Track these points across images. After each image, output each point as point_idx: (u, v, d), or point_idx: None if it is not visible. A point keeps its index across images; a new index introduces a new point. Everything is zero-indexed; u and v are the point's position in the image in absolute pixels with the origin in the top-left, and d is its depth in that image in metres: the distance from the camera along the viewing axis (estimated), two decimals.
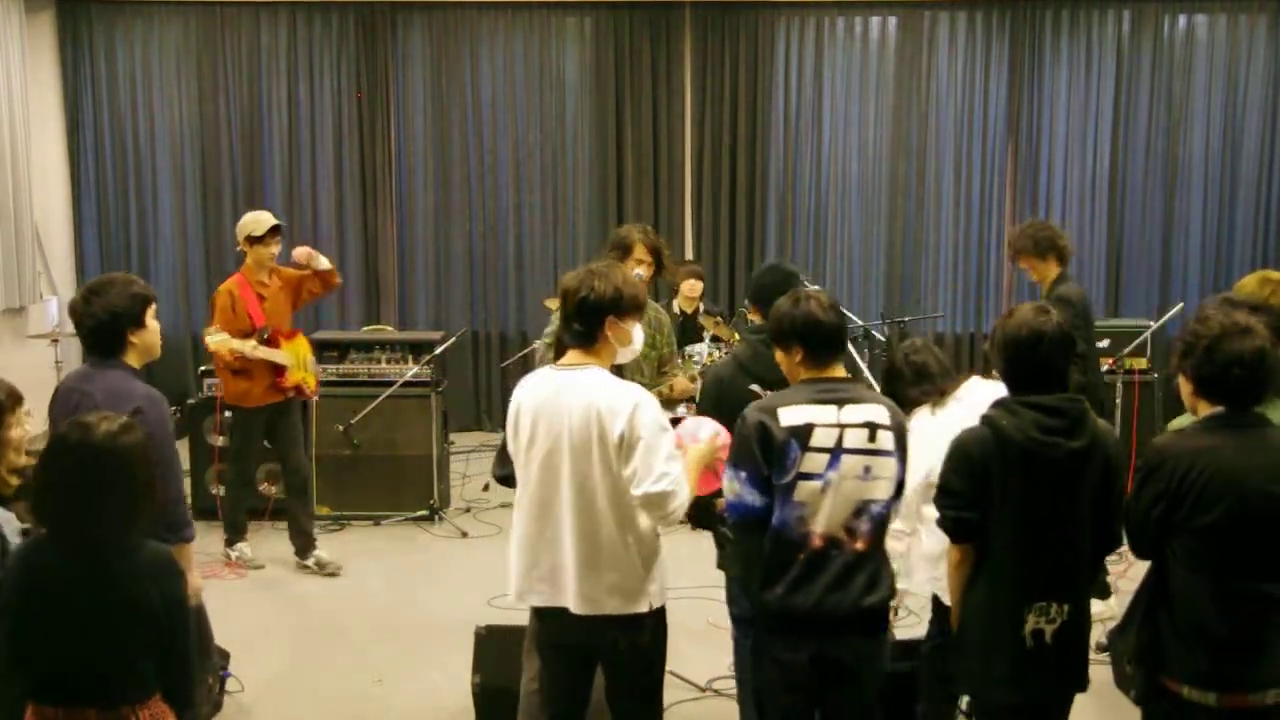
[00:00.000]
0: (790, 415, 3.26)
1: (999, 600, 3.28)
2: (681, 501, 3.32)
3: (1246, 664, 3.12)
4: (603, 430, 3.30)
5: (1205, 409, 3.21)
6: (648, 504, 3.30)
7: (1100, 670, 4.93)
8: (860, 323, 8.09)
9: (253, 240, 6.26)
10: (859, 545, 3.28)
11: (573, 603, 3.39)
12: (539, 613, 3.52)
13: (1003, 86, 9.53)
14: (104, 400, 3.69)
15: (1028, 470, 3.20)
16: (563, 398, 3.37)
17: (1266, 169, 9.47)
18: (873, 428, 3.28)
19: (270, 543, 6.99)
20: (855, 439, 3.27)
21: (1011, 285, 9.66)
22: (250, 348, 6.20)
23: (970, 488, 3.24)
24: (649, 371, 5.27)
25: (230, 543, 6.60)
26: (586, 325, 3.42)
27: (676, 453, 3.36)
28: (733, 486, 3.34)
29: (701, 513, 3.81)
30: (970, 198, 9.59)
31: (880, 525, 3.32)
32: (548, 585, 3.43)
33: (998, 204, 9.64)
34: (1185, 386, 3.27)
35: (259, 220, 6.29)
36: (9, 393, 3.33)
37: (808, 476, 3.25)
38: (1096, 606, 5.58)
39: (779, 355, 3.49)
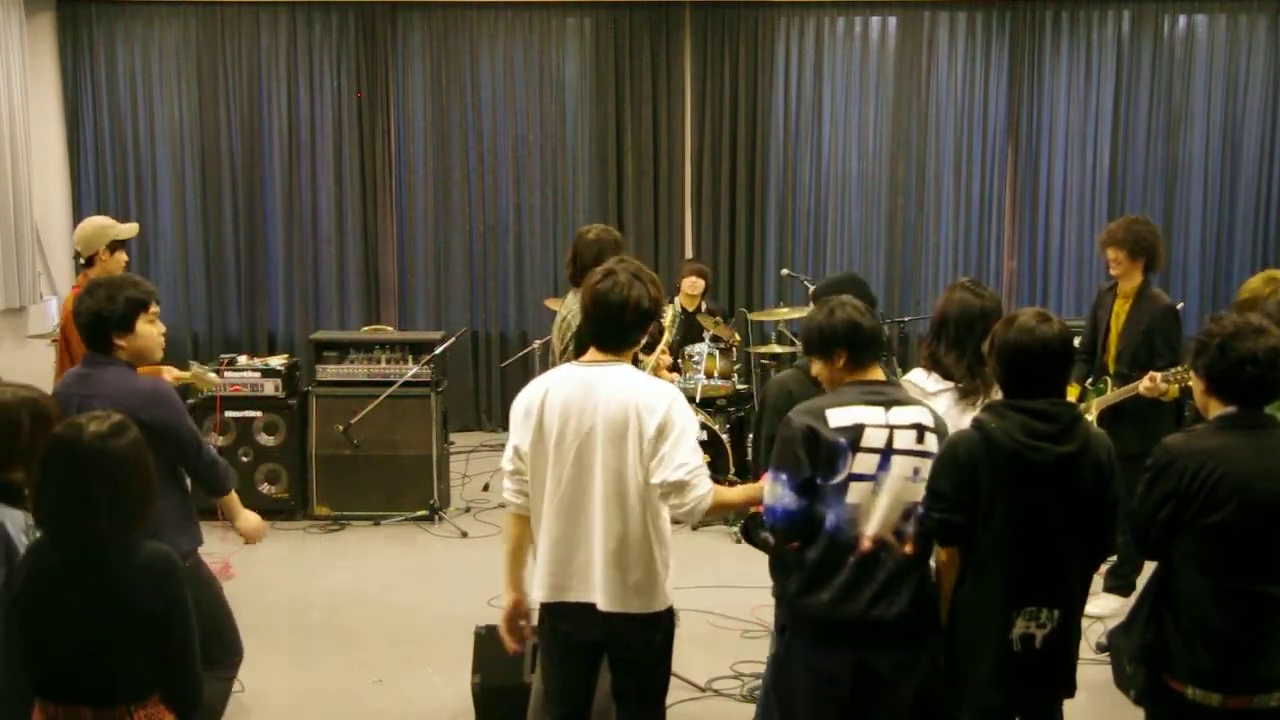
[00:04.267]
0: (839, 416, 3.27)
1: (986, 602, 3.28)
2: (700, 495, 3.30)
3: (1250, 665, 3.12)
4: (641, 423, 3.31)
5: (1217, 408, 3.22)
6: (667, 491, 3.31)
7: (1100, 670, 4.93)
8: None
9: (115, 246, 5.66)
10: (907, 549, 3.27)
11: (600, 599, 3.38)
12: (560, 610, 3.48)
13: (1003, 86, 9.54)
14: (106, 400, 3.68)
15: (1014, 474, 3.20)
16: (595, 392, 3.36)
17: (1266, 169, 9.47)
18: (920, 429, 3.30)
19: (270, 543, 6.99)
20: (905, 440, 3.28)
21: (1011, 285, 9.67)
22: (174, 378, 5.52)
23: (957, 491, 3.23)
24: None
25: None
26: (639, 333, 3.47)
27: (699, 449, 3.39)
28: (774, 490, 3.32)
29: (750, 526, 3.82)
30: (970, 198, 9.59)
31: (925, 529, 3.30)
32: (580, 581, 3.41)
33: (998, 204, 9.64)
34: (1197, 385, 3.28)
35: (115, 224, 5.76)
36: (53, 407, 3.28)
37: (860, 478, 3.25)
38: (1114, 604, 5.60)
39: (817, 366, 3.51)
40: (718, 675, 5.05)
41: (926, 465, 3.29)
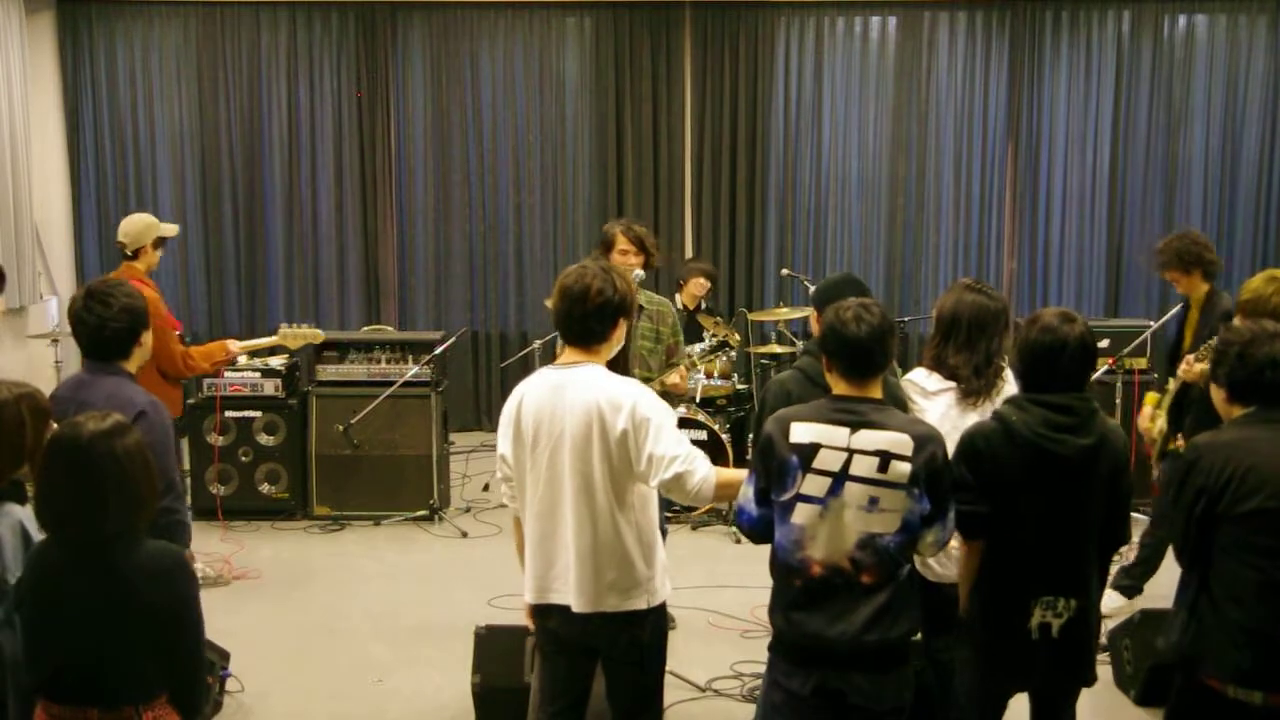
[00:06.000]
0: (800, 432, 3.14)
1: (1007, 592, 3.31)
2: (700, 480, 3.29)
3: None
4: (604, 425, 3.31)
5: (1239, 413, 3.27)
6: (668, 490, 3.33)
7: (1100, 670, 4.93)
8: None
9: (158, 243, 6.02)
10: (865, 578, 3.12)
11: (574, 601, 3.40)
12: (548, 610, 3.50)
13: (1003, 86, 9.53)
14: (105, 407, 3.63)
15: (1037, 466, 3.22)
16: (562, 395, 3.38)
17: (1266, 169, 9.46)
18: (886, 457, 3.09)
19: (270, 543, 7.00)
20: (864, 467, 3.09)
21: (1011, 285, 9.66)
22: (240, 347, 6.20)
23: (979, 482, 3.25)
24: (656, 365, 5.28)
25: None
26: (603, 326, 3.42)
27: (682, 434, 3.37)
28: (744, 491, 3.30)
29: None
30: (970, 198, 9.59)
31: (891, 559, 3.13)
32: (562, 584, 3.43)
33: (998, 204, 9.63)
34: (1218, 394, 3.33)
35: (162, 225, 6.08)
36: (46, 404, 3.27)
37: (807, 499, 3.12)
38: (1117, 601, 5.62)
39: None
40: (718, 675, 5.05)
41: (888, 495, 3.09)
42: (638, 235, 5.17)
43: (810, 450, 3.12)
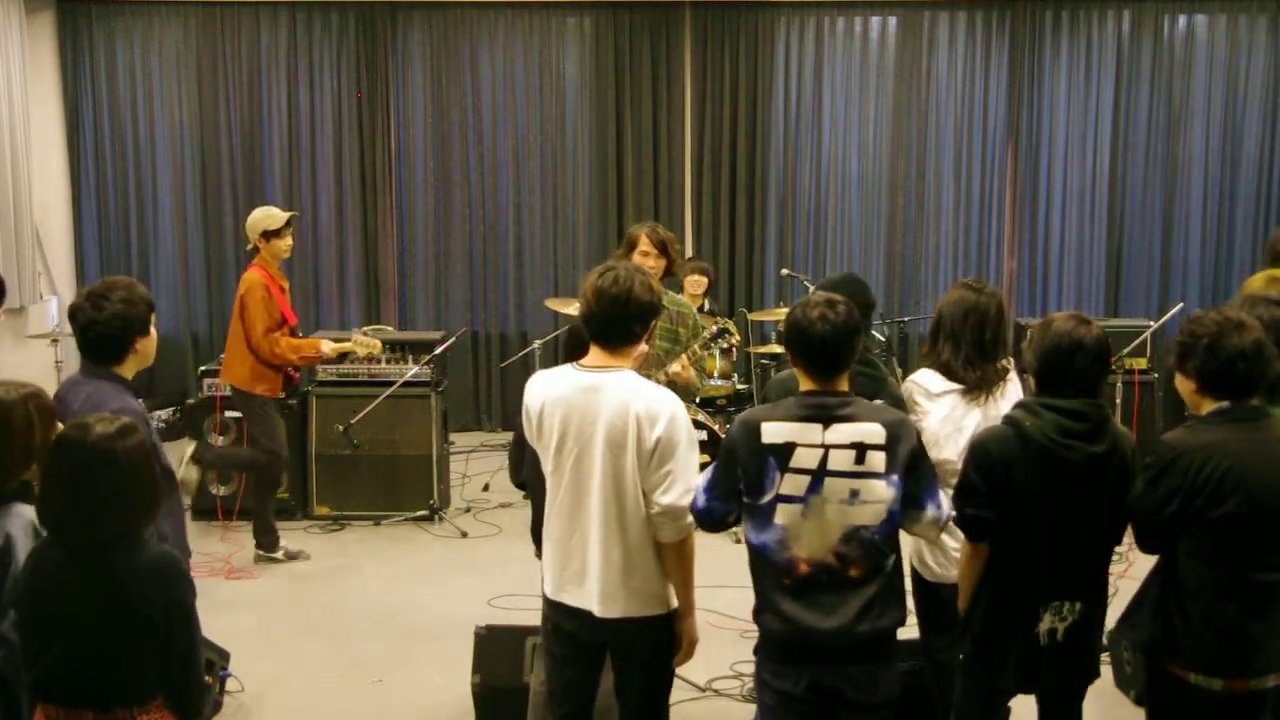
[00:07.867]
0: (772, 432, 3.12)
1: (1015, 596, 3.31)
2: (690, 524, 3.33)
3: (1252, 651, 3.17)
4: (640, 433, 3.28)
5: (1209, 406, 3.25)
6: (671, 513, 3.30)
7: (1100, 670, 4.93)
8: None
9: (269, 235, 6.27)
10: (852, 572, 3.12)
11: (597, 606, 3.37)
12: (563, 610, 3.48)
13: (1003, 86, 9.54)
14: (81, 410, 3.55)
15: (1047, 471, 3.22)
16: (597, 399, 3.33)
17: (1266, 169, 9.46)
18: (861, 449, 3.09)
19: None
20: (841, 461, 3.09)
21: (1011, 285, 9.67)
22: (331, 349, 6.63)
23: (990, 486, 3.25)
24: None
25: (270, 546, 6.62)
26: (641, 328, 3.41)
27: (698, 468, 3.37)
28: (699, 482, 3.29)
29: None
30: (970, 198, 9.59)
31: (876, 550, 3.13)
32: (576, 586, 3.42)
33: (998, 204, 9.64)
34: (1186, 385, 3.30)
35: (272, 214, 6.30)
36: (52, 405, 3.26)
37: (788, 499, 3.11)
38: None
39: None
40: (718, 675, 5.06)
41: (868, 486, 3.09)
42: (661, 239, 5.10)
43: (786, 450, 3.11)
